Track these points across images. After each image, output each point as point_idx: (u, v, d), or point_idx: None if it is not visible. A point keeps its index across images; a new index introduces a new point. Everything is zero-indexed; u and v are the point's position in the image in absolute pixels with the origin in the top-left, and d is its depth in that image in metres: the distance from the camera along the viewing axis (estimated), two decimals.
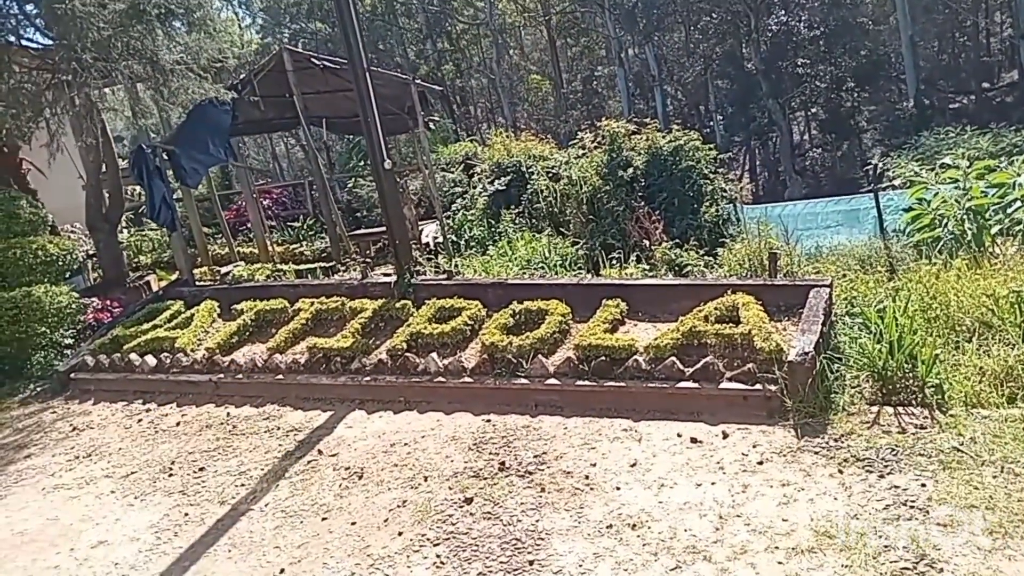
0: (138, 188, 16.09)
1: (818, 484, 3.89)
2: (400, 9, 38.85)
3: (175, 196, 10.59)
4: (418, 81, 10.78)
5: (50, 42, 9.85)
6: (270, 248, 14.35)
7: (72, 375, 7.95)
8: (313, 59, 10.54)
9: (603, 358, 5.28)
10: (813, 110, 32.51)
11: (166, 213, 9.91)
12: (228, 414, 6.41)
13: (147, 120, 10.74)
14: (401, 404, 5.89)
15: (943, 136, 17.72)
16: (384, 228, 12.97)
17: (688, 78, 31.75)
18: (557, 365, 5.45)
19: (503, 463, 4.65)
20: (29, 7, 9.33)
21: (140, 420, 6.69)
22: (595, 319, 5.78)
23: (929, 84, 30.08)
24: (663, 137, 8.37)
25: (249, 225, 16.69)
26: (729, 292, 5.65)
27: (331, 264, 11.72)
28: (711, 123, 33.30)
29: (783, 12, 30.14)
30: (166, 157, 9.95)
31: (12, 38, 9.32)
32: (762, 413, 4.68)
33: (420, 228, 11.88)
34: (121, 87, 10.44)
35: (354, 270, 8.91)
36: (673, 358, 5.08)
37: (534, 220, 9.63)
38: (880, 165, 13.97)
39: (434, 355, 5.97)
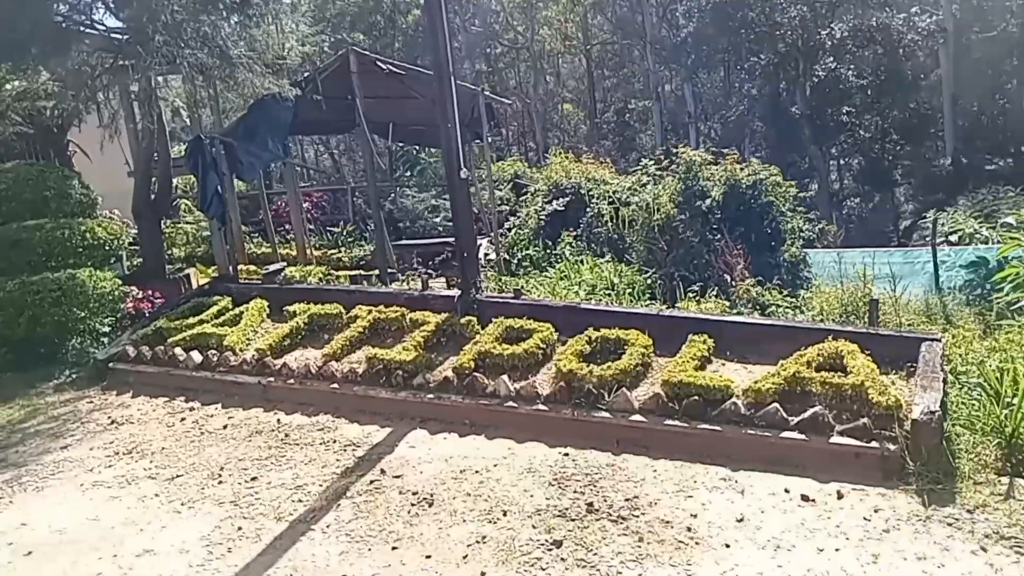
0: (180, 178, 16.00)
1: (959, 562, 3.48)
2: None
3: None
4: (487, 92, 10.53)
5: (116, 24, 9.72)
6: (308, 251, 14.13)
7: (111, 364, 7.65)
8: (379, 62, 10.33)
9: (695, 398, 4.89)
10: (853, 160, 32.17)
11: (217, 205, 9.67)
12: (279, 421, 6.05)
13: (202, 111, 10.58)
14: (467, 427, 5.52)
15: (1000, 195, 17.31)
16: (432, 240, 12.73)
17: (730, 116, 31.47)
18: (642, 401, 5.06)
19: (591, 504, 4.25)
20: None
21: (183, 419, 6.34)
22: (683, 354, 5.40)
23: (967, 142, 29.61)
24: (742, 169, 8.05)
25: (287, 226, 16.51)
26: (829, 338, 5.26)
27: (375, 272, 11.48)
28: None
29: (831, 59, 29.85)
30: (222, 150, 9.73)
31: (83, 18, 9.16)
32: (877, 474, 4.27)
33: None
34: (179, 75, 10.28)
35: (413, 281, 8.55)
36: (776, 404, 4.69)
37: (593, 244, 9.30)
38: (935, 220, 13.56)
39: (505, 378, 5.60)
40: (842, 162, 32.53)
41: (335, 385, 6.22)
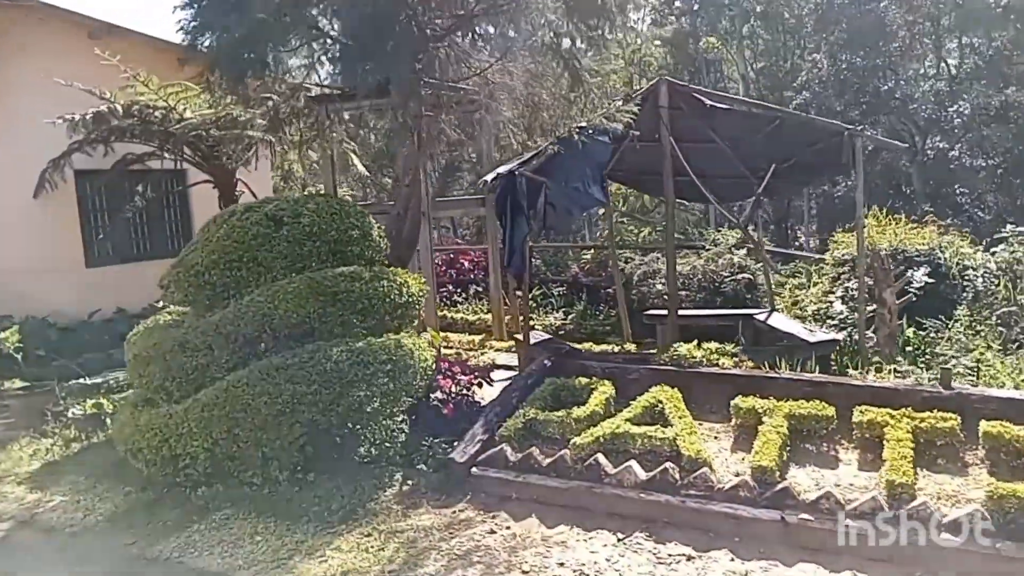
0: None
1: None
2: None
3: None
4: (867, 131, 8.63)
5: None
6: (502, 317, 12.19)
7: (473, 469, 5.50)
8: (696, 94, 8.52)
9: None
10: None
11: (519, 260, 7.72)
12: None
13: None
14: None
15: None
16: (701, 312, 10.62)
17: (836, 192, 30.03)
18: None
19: None
20: None
21: None
22: None
23: None
24: None
25: (448, 287, 14.56)
26: None
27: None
28: None
29: (939, 137, 28.54)
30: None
31: None
32: None
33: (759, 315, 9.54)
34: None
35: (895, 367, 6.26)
36: None
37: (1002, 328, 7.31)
38: None
39: None
40: None
41: (956, 539, 4.07)
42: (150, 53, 11.45)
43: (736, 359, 6.31)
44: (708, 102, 8.39)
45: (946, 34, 28.95)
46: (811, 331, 8.38)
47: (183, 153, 11.22)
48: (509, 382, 6.70)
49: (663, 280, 12.57)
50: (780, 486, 4.57)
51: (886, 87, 26.97)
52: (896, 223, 9.44)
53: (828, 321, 8.55)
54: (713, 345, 6.40)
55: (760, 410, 5.29)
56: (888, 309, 6.59)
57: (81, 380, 9.02)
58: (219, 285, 6.00)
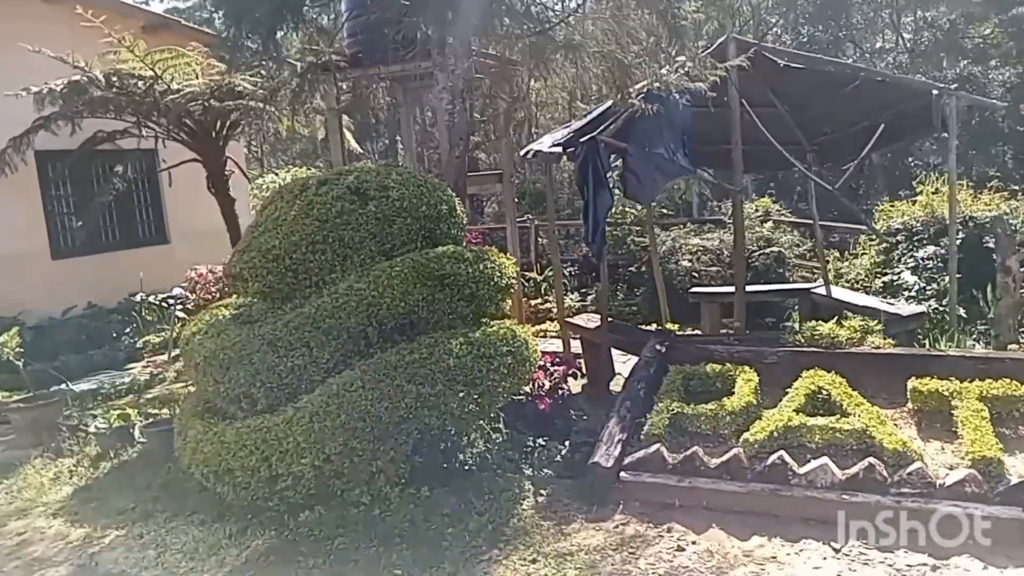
0: None
1: None
2: None
3: None
4: (959, 90, 8.18)
5: None
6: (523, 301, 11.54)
7: (622, 474, 4.78)
8: (768, 53, 7.92)
9: None
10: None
11: (600, 238, 7.00)
12: None
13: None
14: None
15: None
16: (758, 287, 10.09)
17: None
18: None
19: None
20: None
21: None
22: None
23: None
24: None
25: None
26: None
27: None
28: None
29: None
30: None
31: None
32: None
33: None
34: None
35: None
36: None
37: None
38: None
39: None
40: None
41: None
42: (111, 19, 10.11)
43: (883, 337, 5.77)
44: (781, 62, 7.79)
45: (904, 8, 29.41)
46: (891, 304, 7.98)
47: (169, 129, 9.95)
48: (630, 372, 5.98)
49: (688, 257, 12.10)
50: (1015, 480, 4.03)
51: (849, 60, 27.22)
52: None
53: (904, 293, 8.14)
54: (856, 322, 5.85)
55: (946, 393, 4.76)
56: (1013, 277, 6.18)
57: (62, 386, 7.96)
58: (301, 272, 5.07)
